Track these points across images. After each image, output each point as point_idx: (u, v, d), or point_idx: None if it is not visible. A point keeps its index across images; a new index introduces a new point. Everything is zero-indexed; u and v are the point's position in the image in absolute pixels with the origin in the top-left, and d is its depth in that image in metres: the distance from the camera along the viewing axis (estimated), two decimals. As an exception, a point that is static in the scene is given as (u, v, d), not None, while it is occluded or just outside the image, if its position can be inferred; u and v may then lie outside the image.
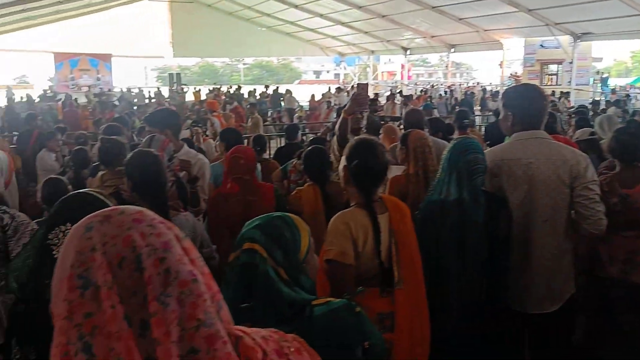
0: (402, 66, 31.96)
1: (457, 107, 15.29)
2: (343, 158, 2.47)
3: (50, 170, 5.85)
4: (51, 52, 29.96)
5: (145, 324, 0.86)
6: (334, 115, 18.10)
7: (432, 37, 24.66)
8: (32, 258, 1.52)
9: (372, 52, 31.59)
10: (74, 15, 26.62)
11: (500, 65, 25.23)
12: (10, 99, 20.39)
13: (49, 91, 21.99)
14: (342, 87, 24.89)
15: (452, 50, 26.02)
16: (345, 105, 4.18)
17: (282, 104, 21.39)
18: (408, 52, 28.81)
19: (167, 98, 22.50)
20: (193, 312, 0.88)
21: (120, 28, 30.15)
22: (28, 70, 42.57)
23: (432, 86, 29.80)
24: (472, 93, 23.98)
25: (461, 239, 2.64)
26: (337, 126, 4.07)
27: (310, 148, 3.77)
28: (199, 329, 0.88)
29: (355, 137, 2.55)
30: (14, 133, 10.07)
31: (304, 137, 9.29)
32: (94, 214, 0.95)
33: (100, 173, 3.76)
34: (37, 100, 19.34)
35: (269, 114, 19.79)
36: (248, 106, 14.91)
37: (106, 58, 31.52)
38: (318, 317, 1.49)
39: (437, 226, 2.70)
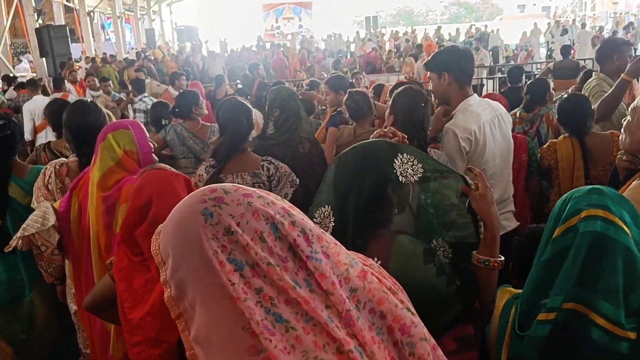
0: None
1: None
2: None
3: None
4: (260, 3, 31.98)
5: (308, 282, 0.92)
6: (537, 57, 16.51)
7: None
8: None
9: (592, -22, 27.80)
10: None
11: None
12: (224, 50, 22.39)
13: (260, 41, 23.52)
14: (559, 20, 22.31)
15: None
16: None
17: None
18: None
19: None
20: (338, 259, 0.98)
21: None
22: (235, 23, 46.16)
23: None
24: None
25: None
26: (614, 90, 3.48)
27: (566, 96, 3.32)
28: (349, 271, 0.98)
29: None
30: (236, 81, 10.91)
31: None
32: (190, 200, 0.93)
33: (343, 126, 3.82)
34: (254, 50, 20.74)
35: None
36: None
37: (307, 5, 32.70)
38: None
39: None
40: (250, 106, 3.06)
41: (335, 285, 0.94)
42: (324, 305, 0.92)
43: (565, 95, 3.33)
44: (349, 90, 3.96)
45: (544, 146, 3.31)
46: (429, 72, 2.81)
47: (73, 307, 2.63)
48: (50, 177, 2.62)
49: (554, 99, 3.96)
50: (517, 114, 4.35)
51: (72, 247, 2.44)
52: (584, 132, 3.14)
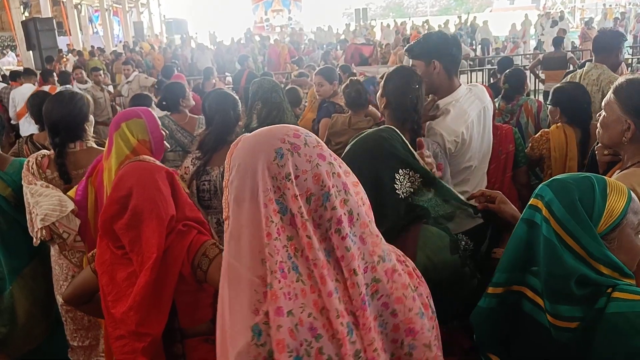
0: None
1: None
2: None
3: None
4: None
5: (329, 253, 0.99)
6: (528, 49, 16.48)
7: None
8: None
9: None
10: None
11: None
12: (213, 42, 22.23)
13: (248, 34, 23.35)
14: (549, 12, 22.31)
15: None
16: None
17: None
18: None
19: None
20: (373, 250, 1.02)
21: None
22: (224, 16, 45.83)
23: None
24: None
25: None
26: None
27: (571, 85, 3.29)
28: (379, 263, 1.02)
29: None
30: (226, 74, 10.86)
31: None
32: (273, 132, 1.03)
33: (336, 115, 3.83)
34: (243, 42, 20.59)
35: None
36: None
37: (297, -3, 32.53)
38: (611, 315, 1.17)
39: None
40: (237, 97, 3.04)
41: (360, 269, 1.00)
42: (334, 278, 0.99)
43: (569, 85, 3.28)
44: (350, 78, 3.97)
45: (536, 135, 3.27)
46: (412, 60, 2.61)
47: (60, 299, 2.61)
48: (32, 168, 2.60)
49: (544, 89, 3.93)
50: (497, 105, 4.32)
51: (89, 235, 2.44)
52: (588, 121, 3.11)
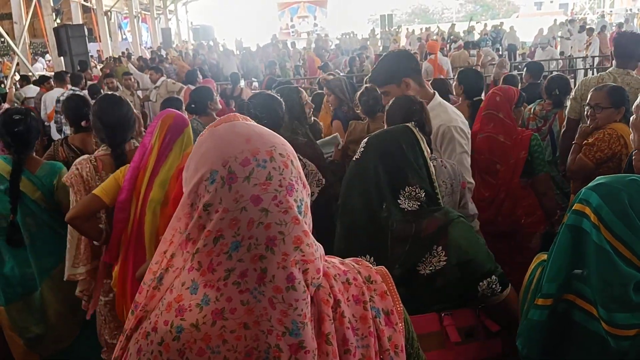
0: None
1: None
2: None
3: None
4: (276, 2, 32.05)
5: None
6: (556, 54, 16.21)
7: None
8: None
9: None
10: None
11: None
12: (239, 48, 22.49)
13: (274, 40, 23.54)
14: (574, 18, 21.99)
15: None
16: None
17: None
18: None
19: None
20: (280, 318, 0.84)
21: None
22: (251, 22, 46.23)
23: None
24: None
25: None
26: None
27: (616, 86, 3.18)
28: (284, 335, 0.85)
29: None
30: (252, 79, 10.99)
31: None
32: (231, 154, 0.85)
33: (354, 122, 3.92)
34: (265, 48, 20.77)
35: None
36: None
37: (322, 4, 32.67)
38: None
39: None
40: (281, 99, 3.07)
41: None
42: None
43: (620, 87, 3.17)
44: (365, 86, 4.00)
45: (601, 136, 2.94)
46: (383, 88, 2.63)
47: (102, 298, 2.62)
48: (89, 172, 2.52)
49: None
50: (532, 109, 4.21)
51: (125, 243, 2.35)
52: None
